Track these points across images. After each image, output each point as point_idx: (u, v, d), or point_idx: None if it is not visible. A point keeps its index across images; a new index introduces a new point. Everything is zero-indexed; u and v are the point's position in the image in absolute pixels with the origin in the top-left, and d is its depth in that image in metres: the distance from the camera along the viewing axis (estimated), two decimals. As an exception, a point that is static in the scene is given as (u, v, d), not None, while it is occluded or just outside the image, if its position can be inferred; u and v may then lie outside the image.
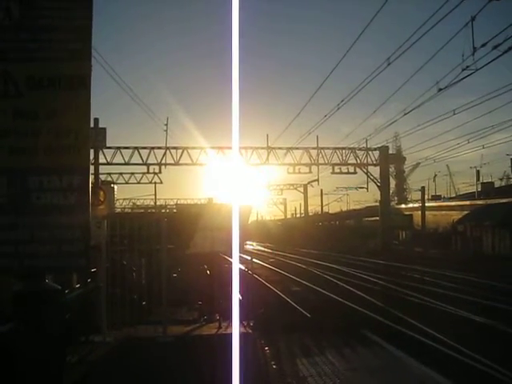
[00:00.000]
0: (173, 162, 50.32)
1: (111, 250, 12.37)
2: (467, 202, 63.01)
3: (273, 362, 9.86)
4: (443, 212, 63.95)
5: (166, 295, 11.79)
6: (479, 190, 77.60)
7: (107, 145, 26.49)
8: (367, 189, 60.16)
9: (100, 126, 19.13)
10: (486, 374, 9.95)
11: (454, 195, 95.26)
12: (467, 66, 24.05)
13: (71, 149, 5.05)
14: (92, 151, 18.83)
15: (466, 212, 54.64)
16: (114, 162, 49.31)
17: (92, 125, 18.02)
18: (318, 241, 61.71)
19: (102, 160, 32.90)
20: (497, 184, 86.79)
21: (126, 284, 12.49)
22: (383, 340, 11.82)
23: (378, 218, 57.53)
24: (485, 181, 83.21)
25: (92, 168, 19.38)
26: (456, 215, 56.56)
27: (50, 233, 5.06)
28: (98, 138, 18.55)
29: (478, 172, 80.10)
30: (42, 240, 5.09)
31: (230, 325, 12.27)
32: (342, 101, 36.02)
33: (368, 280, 27.83)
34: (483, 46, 22.22)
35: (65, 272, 6.65)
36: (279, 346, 11.22)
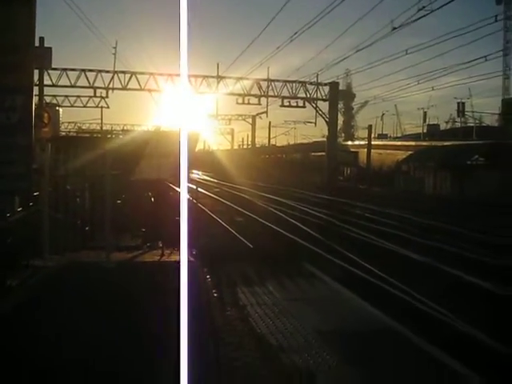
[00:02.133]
0: (120, 86, 49.20)
1: (55, 174, 12.17)
2: (412, 143, 64.09)
3: (214, 291, 10.02)
4: (388, 151, 64.93)
5: (110, 221, 11.73)
6: (425, 131, 78.97)
7: (53, 66, 25.59)
8: (315, 124, 60.41)
9: (46, 45, 18.47)
10: (411, 306, 10.37)
11: (400, 135, 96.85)
12: (423, 7, 24.11)
13: (14, 67, 4.84)
14: (36, 72, 18.21)
15: (410, 152, 55.57)
16: (60, 84, 47.89)
17: (37, 44, 17.39)
18: (265, 173, 62.00)
19: (47, 81, 32.01)
20: (442, 127, 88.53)
21: (69, 209, 12.36)
22: (321, 272, 12.11)
23: (324, 154, 58.00)
24: (431, 123, 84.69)
25: (36, 89, 18.76)
26: (401, 155, 57.48)
27: (-8, 154, 4.92)
28: (44, 57, 17.93)
29: (425, 113, 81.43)
30: (-18, 160, 4.95)
31: (172, 252, 12.36)
32: (296, 33, 35.67)
33: (311, 214, 28.29)
34: (440, -14, 22.22)
35: (6, 194, 6.49)
36: (220, 275, 11.39)
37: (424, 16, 24.49)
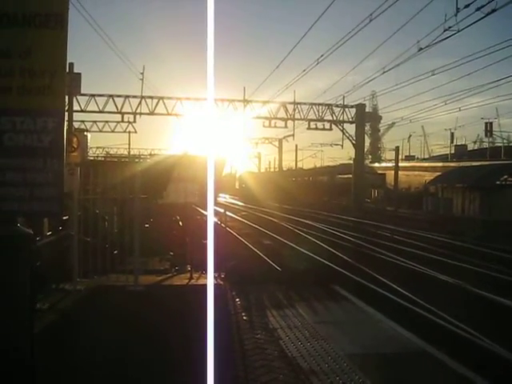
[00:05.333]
0: (148, 111, 49.75)
1: (84, 197, 12.26)
2: (440, 164, 63.69)
3: (243, 314, 9.95)
4: (416, 172, 64.60)
5: (138, 245, 11.76)
6: (452, 152, 78.41)
7: (81, 91, 26.00)
8: (342, 146, 60.25)
9: (75, 71, 18.76)
10: (451, 332, 10.23)
11: (427, 156, 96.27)
12: (449, 27, 24.00)
13: (46, 90, 4.88)
14: (66, 97, 18.48)
15: (438, 173, 55.17)
16: (88, 109, 48.59)
17: (67, 69, 17.69)
18: (292, 196, 61.94)
19: (75, 107, 32.39)
20: (470, 147, 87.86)
21: (98, 232, 12.41)
22: (351, 295, 11.99)
23: (351, 176, 57.82)
24: (458, 143, 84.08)
25: (66, 115, 18.99)
26: (428, 176, 57.12)
27: (23, 176, 4.93)
28: (73, 83, 18.20)
29: (452, 134, 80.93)
30: (14, 183, 4.96)
31: (201, 276, 12.33)
32: (322, 56, 35.78)
33: (338, 236, 28.14)
34: (466, 6, 22.12)
35: (37, 216, 6.52)
36: (250, 298, 11.32)
37: (450, 36, 24.36)
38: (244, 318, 9.71)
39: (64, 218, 11.93)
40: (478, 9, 21.53)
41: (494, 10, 21.34)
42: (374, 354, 7.90)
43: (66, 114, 18.56)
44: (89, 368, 6.55)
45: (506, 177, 44.95)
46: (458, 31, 23.71)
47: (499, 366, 8.30)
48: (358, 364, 7.29)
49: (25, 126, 4.88)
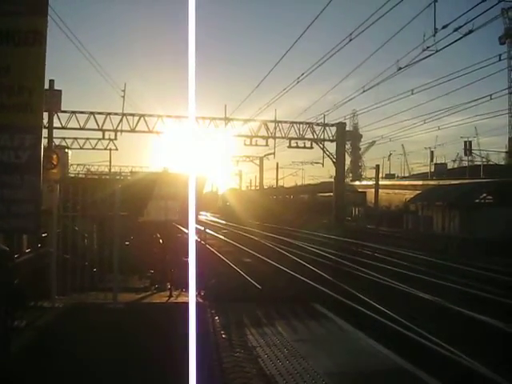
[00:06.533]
0: (129, 128, 49.61)
1: (63, 214, 12.20)
2: (420, 182, 64.16)
3: (222, 332, 9.91)
4: (396, 191, 65.01)
5: (118, 263, 11.70)
6: (432, 170, 79.09)
7: (62, 108, 25.91)
8: (323, 164, 60.48)
9: (55, 88, 18.71)
10: (429, 349, 10.29)
11: (407, 174, 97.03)
12: (428, 47, 24.34)
13: (24, 107, 4.88)
14: (46, 114, 18.44)
15: (418, 192, 55.52)
16: (69, 126, 48.38)
17: (47, 86, 17.64)
18: (272, 214, 61.98)
19: (56, 124, 32.24)
20: (450, 165, 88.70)
21: (78, 250, 12.34)
22: (331, 313, 12.01)
23: (332, 194, 58.04)
24: (438, 162, 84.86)
25: (46, 131, 18.96)
26: (409, 194, 57.47)
27: (0, 192, 4.91)
28: (53, 99, 18.14)
29: (431, 153, 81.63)
30: (-10, 199, 4.95)
31: (180, 294, 12.29)
32: (302, 74, 36.01)
33: (319, 254, 28.18)
34: (444, 27, 22.51)
35: (14, 233, 6.50)
36: (229, 316, 11.27)
37: (429, 56, 24.70)
38: (223, 336, 9.68)
39: (43, 234, 11.86)
40: (456, 29, 21.91)
41: (471, 31, 21.74)
42: (353, 372, 7.90)
43: (46, 130, 18.53)
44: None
45: (485, 195, 45.38)
46: (437, 51, 24.08)
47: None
48: (337, 382, 7.29)
49: (2, 142, 4.87)
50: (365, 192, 66.10)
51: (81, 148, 59.16)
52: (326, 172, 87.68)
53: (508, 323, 12.45)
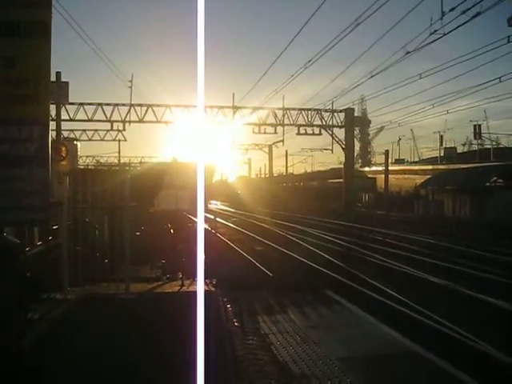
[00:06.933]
0: (137, 119, 49.55)
1: (73, 206, 12.23)
2: (430, 167, 63.95)
3: (235, 320, 9.94)
4: (406, 176, 64.82)
5: (129, 253, 11.74)
6: (442, 154, 78.73)
7: (70, 100, 25.89)
8: (332, 150, 60.11)
9: (62, 80, 18.70)
10: (444, 335, 10.26)
11: (417, 159, 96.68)
12: (435, 31, 24.11)
13: (30, 99, 4.86)
14: (54, 106, 18.45)
15: (428, 176, 55.35)
16: (77, 118, 48.39)
17: (54, 78, 17.65)
18: (282, 201, 61.94)
19: (64, 116, 32.26)
20: (459, 149, 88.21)
21: (88, 241, 12.39)
22: (343, 298, 12.01)
23: (341, 180, 57.90)
24: (448, 146, 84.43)
25: (54, 124, 19.03)
26: (419, 179, 57.29)
27: (9, 185, 4.91)
28: (61, 91, 18.14)
29: (441, 137, 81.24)
30: (0, 192, 4.95)
31: (192, 283, 12.31)
32: (310, 61, 35.79)
33: (330, 240, 28.16)
34: (452, 10, 22.30)
35: (24, 225, 6.52)
36: (241, 304, 11.30)
37: (436, 40, 24.47)
38: (235, 323, 9.70)
39: (54, 227, 11.91)
40: (463, 12, 21.69)
41: (478, 13, 21.52)
42: (365, 356, 7.91)
43: (55, 122, 18.54)
44: (82, 376, 6.52)
45: (495, 178, 45.18)
46: (444, 34, 23.84)
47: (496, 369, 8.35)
48: (350, 367, 7.30)
49: (10, 134, 4.87)
50: (375, 178, 65.98)
51: (89, 140, 59.17)
52: (335, 158, 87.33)
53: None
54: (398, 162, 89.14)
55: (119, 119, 49.27)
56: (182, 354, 6.42)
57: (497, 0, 22.29)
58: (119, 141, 56.83)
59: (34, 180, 4.97)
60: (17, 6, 4.97)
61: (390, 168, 59.64)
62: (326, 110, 53.16)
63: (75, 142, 36.29)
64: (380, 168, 67.24)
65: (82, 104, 47.77)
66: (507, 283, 15.22)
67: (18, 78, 4.89)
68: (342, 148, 55.94)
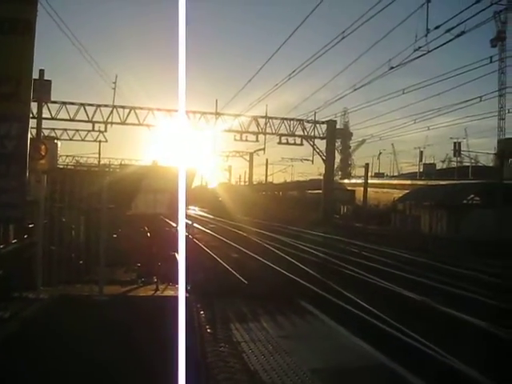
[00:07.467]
0: (119, 121, 49.41)
1: (50, 205, 12.14)
2: (408, 182, 64.40)
3: (207, 327, 9.93)
4: (385, 190, 65.15)
5: (104, 255, 11.67)
6: (421, 170, 79.36)
7: (52, 99, 25.73)
8: (312, 161, 60.36)
9: (45, 78, 18.60)
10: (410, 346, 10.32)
11: (396, 174, 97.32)
12: (419, 47, 24.39)
13: (11, 96, 4.82)
14: (35, 104, 18.33)
15: (406, 191, 55.67)
16: (59, 117, 48.09)
17: (37, 76, 17.53)
18: (261, 210, 61.95)
19: (46, 114, 32.11)
20: (438, 166, 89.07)
21: (64, 241, 12.30)
22: (316, 309, 12.04)
23: (321, 191, 58.07)
24: (427, 162, 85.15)
25: (35, 122, 18.88)
26: (397, 193, 57.59)
27: (-16, 181, 4.87)
28: (43, 89, 18.02)
29: (421, 153, 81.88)
30: (-25, 188, 4.91)
31: (167, 287, 12.27)
32: (294, 71, 35.91)
33: (305, 250, 28.21)
34: (437, 28, 22.58)
35: (-1, 222, 6.47)
36: (215, 311, 11.29)
37: (420, 56, 24.76)
38: (208, 330, 9.69)
39: (29, 225, 11.81)
40: (448, 30, 21.99)
41: (463, 32, 21.82)
42: (336, 367, 7.94)
43: (35, 120, 18.37)
44: (51, 377, 6.47)
45: (472, 196, 45.61)
46: (428, 51, 24.14)
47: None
48: (320, 378, 7.33)
49: (-13, 131, 4.83)
50: (354, 190, 66.20)
51: (70, 139, 58.78)
52: (315, 169, 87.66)
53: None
54: (378, 175, 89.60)
55: (101, 120, 49.07)
56: (156, 357, 6.41)
57: (481, 21, 22.65)
58: (100, 142, 56.61)
59: (11, 177, 4.93)
60: (1, 2, 4.93)
61: (369, 181, 59.93)
62: (308, 121, 53.43)
63: (56, 141, 36.02)
64: (359, 181, 67.48)
65: (64, 103, 47.49)
66: (477, 299, 15.43)
67: (0, 75, 4.86)
68: (323, 159, 56.19)
